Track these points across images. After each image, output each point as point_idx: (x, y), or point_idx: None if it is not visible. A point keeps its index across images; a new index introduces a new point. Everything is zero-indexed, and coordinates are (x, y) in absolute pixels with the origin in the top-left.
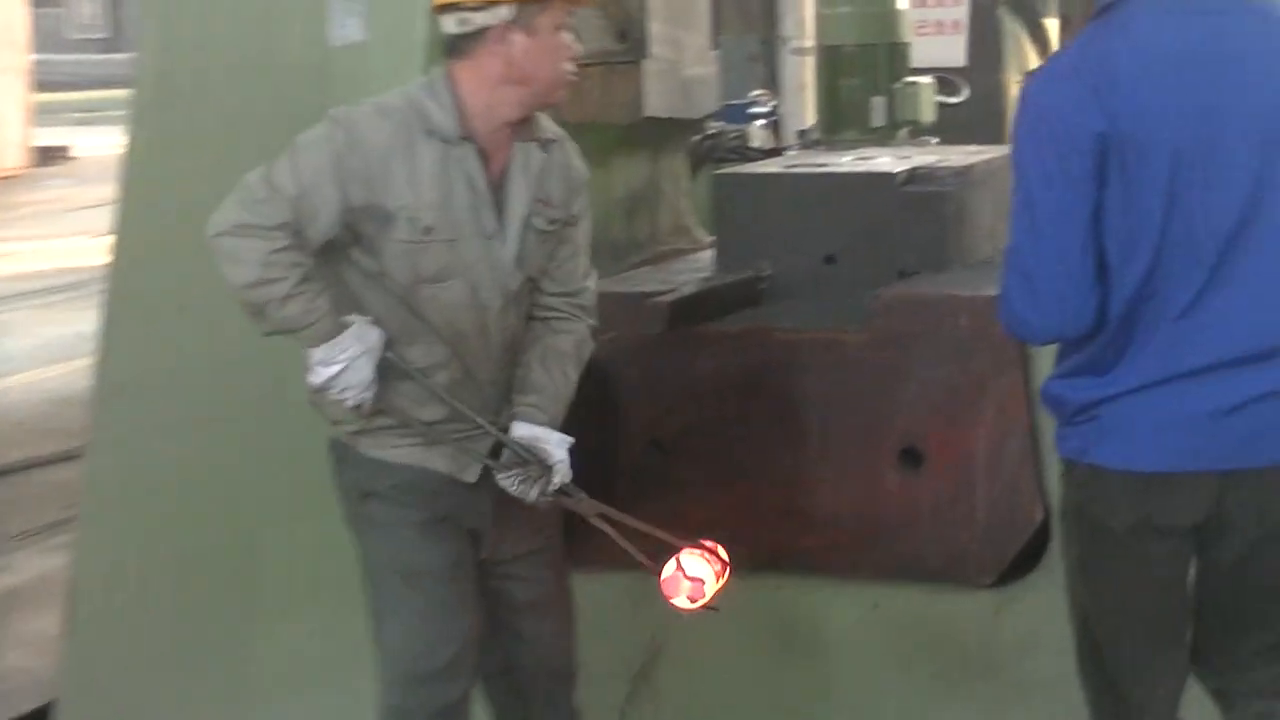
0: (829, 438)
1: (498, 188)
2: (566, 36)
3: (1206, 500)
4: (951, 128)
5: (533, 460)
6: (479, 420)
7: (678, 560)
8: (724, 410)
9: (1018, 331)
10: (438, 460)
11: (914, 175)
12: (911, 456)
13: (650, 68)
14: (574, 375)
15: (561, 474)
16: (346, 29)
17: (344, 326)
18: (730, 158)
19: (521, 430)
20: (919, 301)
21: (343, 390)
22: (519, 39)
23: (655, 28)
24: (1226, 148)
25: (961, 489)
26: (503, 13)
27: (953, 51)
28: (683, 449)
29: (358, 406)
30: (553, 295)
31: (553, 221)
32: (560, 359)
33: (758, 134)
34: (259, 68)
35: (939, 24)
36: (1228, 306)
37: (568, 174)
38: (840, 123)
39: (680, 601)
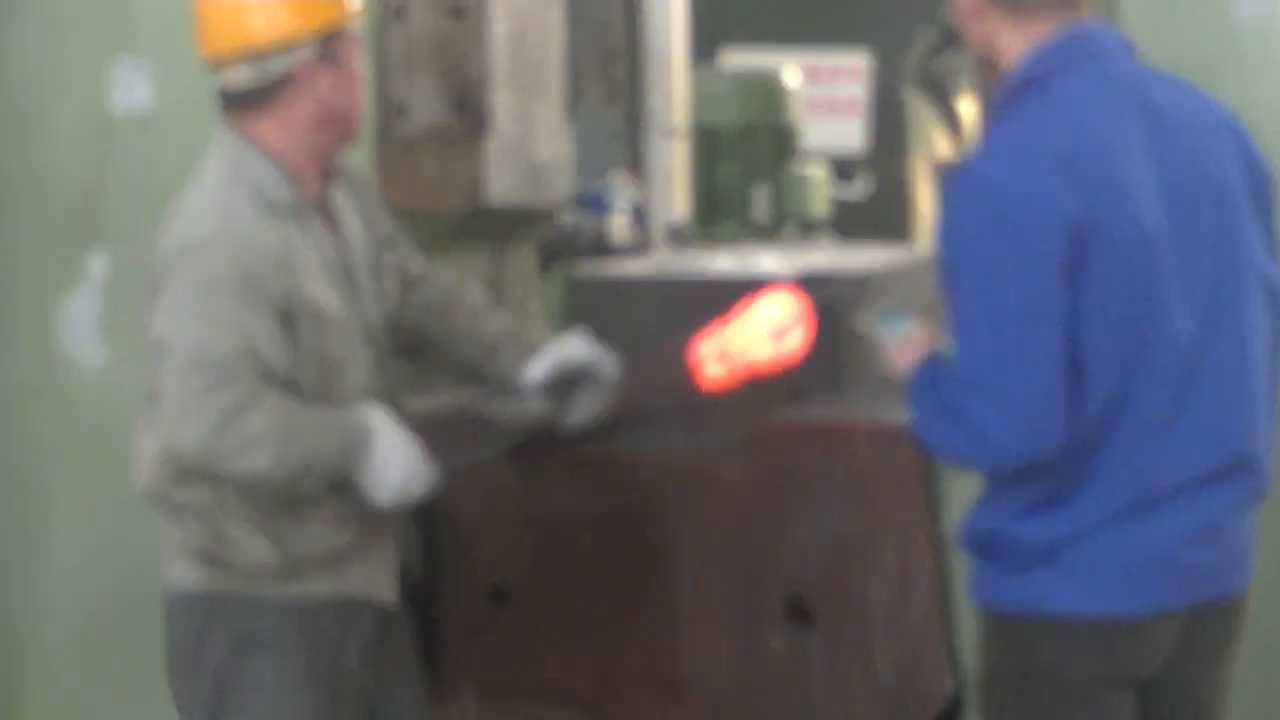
0: (702, 588)
1: (337, 246)
2: (359, 61)
3: (1172, 640)
4: (848, 224)
5: (579, 377)
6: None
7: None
8: (577, 553)
9: (984, 460)
10: (355, 583)
11: (803, 281)
12: (799, 612)
13: (493, 146)
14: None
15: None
16: (132, 94)
17: (363, 424)
18: (588, 255)
19: (542, 365)
20: (808, 428)
21: (409, 483)
22: (325, 76)
23: (499, 98)
24: (1196, 229)
25: (857, 652)
26: (304, 53)
27: (849, 135)
28: (528, 599)
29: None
30: (422, 289)
31: (385, 245)
32: (486, 307)
33: (620, 227)
34: (33, 135)
35: (833, 103)
36: (1200, 411)
37: (360, 186)
38: (717, 215)
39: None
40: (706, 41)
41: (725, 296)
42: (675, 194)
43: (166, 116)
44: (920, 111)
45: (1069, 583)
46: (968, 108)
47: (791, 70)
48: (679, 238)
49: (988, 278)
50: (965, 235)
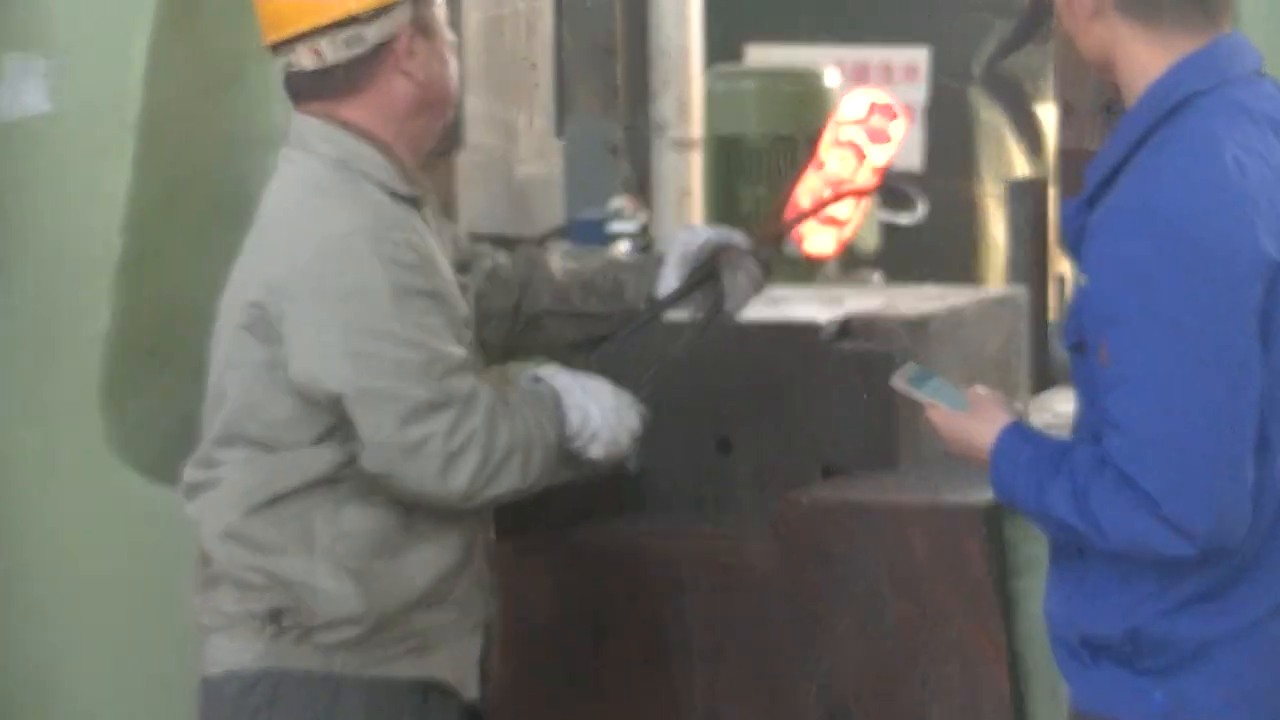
0: (720, 692)
1: None
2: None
3: None
4: (901, 256)
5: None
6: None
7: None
8: (570, 649)
9: (1151, 549)
10: (441, 667)
11: (848, 327)
12: None
13: (465, 162)
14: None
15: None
16: (24, 98)
17: (545, 386)
18: (554, 257)
19: (674, 271)
20: (849, 506)
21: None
22: (420, 45)
23: (474, 104)
24: None
25: None
26: (400, 15)
27: (905, 150)
28: (509, 704)
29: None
30: (499, 272)
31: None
32: (563, 255)
33: None
34: None
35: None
36: None
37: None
38: None
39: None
40: (728, 35)
41: (745, 346)
42: (690, 221)
43: (70, 120)
44: (991, 122)
45: (1221, 689)
46: (1048, 116)
47: (833, 70)
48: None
49: (1175, 326)
50: (1143, 273)
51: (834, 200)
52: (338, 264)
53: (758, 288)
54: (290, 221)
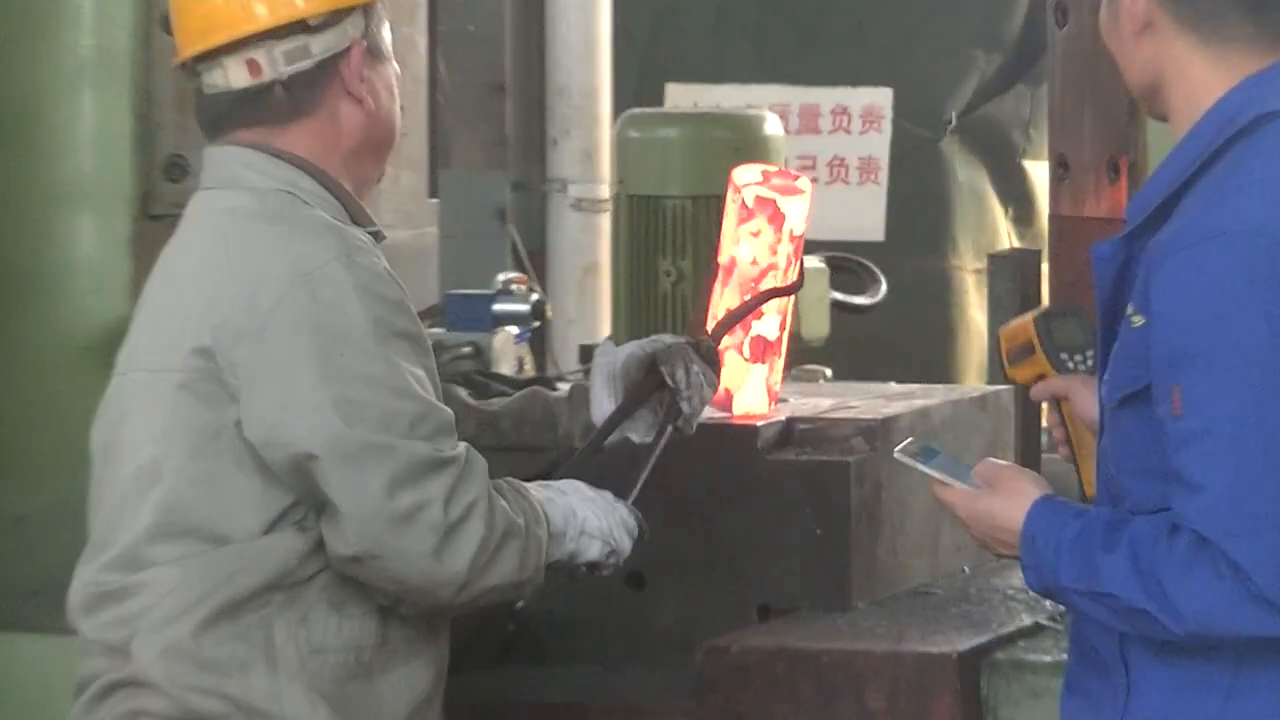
0: None
1: None
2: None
3: None
4: (858, 349)
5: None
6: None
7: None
8: None
9: (1261, 629)
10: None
11: (790, 432)
12: None
13: None
14: None
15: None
16: None
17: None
18: (462, 389)
19: (603, 394)
20: (794, 660)
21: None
22: (371, 71)
23: None
24: None
25: None
26: (352, 29)
27: (865, 212)
28: None
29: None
30: None
31: None
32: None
33: (509, 349)
34: None
35: (838, 165)
36: None
37: None
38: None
39: None
40: (645, 73)
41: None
42: (597, 302)
43: None
44: (970, 180)
45: None
46: (1039, 174)
47: (773, 116)
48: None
49: (1265, 367)
50: (1225, 307)
51: (757, 304)
52: (309, 296)
53: (711, 386)
54: (239, 254)
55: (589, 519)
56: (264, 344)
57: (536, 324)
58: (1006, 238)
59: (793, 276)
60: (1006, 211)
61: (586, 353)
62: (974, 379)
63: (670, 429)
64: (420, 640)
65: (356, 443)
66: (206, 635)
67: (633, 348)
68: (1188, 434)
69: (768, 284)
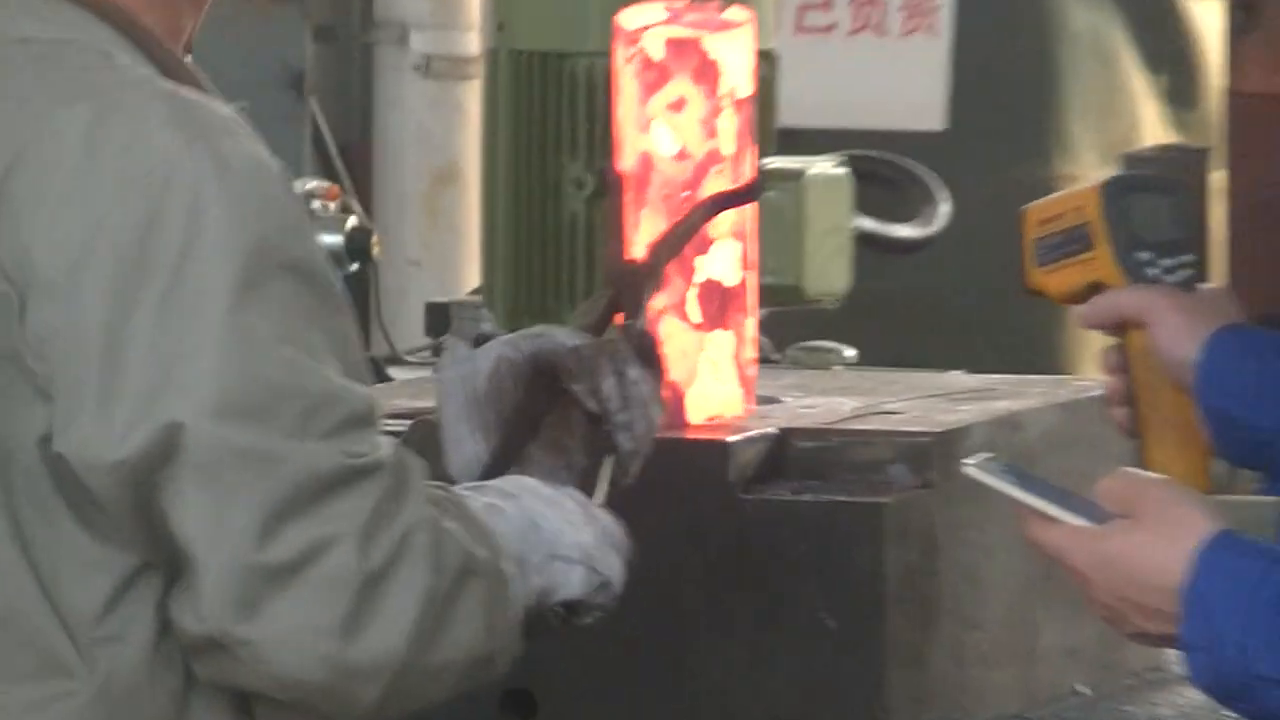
0: None
1: None
2: None
3: None
4: (902, 315)
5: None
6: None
7: None
8: None
9: None
10: None
11: (784, 455)
12: None
13: None
14: None
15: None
16: None
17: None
18: None
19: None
20: None
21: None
22: None
23: None
24: None
25: None
26: None
27: (912, 85)
28: None
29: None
30: None
31: None
32: None
33: None
34: None
35: (866, 3)
36: None
37: None
38: (545, 284)
39: None
40: None
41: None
42: (457, 231)
43: None
44: (1093, 26)
45: None
46: (1210, 20)
47: None
48: (468, 332)
49: None
50: None
51: (703, 218)
52: (148, 214)
53: (657, 400)
54: (20, 153)
55: (562, 533)
56: (79, 301)
57: (354, 266)
58: (1154, 127)
59: (746, 174)
60: (1155, 83)
61: (438, 318)
62: (1096, 367)
63: (606, 482)
64: None
65: (216, 449)
66: None
67: (504, 348)
68: None
69: (711, 190)
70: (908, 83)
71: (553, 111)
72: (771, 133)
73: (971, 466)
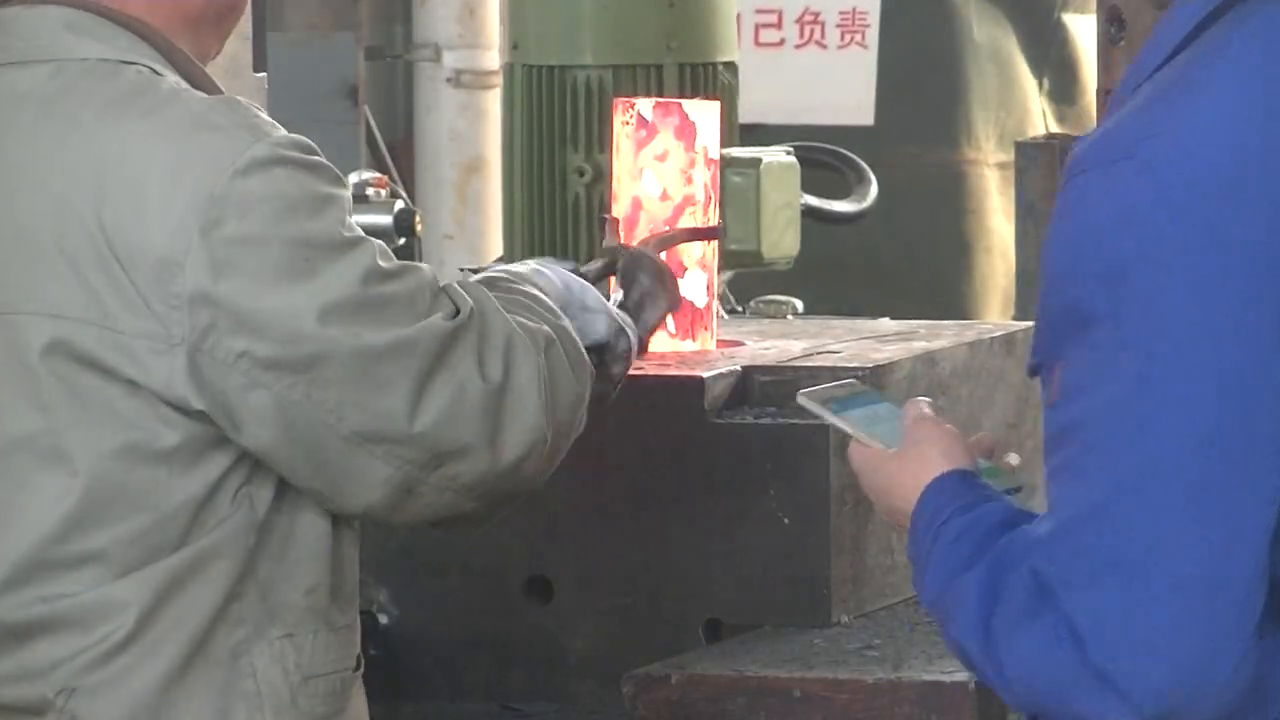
0: None
1: None
2: None
3: None
4: (840, 273)
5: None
6: None
7: None
8: None
9: (1106, 717)
10: None
11: (748, 386)
12: None
13: None
14: None
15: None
16: None
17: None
18: None
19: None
20: (755, 693)
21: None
22: None
23: None
24: None
25: None
26: None
27: (847, 88)
28: None
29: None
30: None
31: None
32: None
33: None
34: None
35: (810, 22)
36: None
37: None
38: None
39: None
40: None
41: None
42: (482, 212)
43: None
44: (991, 41)
45: None
46: (1083, 32)
47: None
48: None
49: (1183, 344)
50: (1152, 248)
51: (682, 238)
52: (238, 205)
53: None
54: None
55: (586, 289)
56: (192, 262)
57: (402, 241)
58: (1041, 120)
59: (714, 218)
60: (1040, 85)
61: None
62: (998, 313)
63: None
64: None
65: (369, 350)
66: (180, 687)
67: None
68: (1059, 430)
69: (685, 225)
70: (843, 87)
71: (558, 114)
72: (735, 127)
73: (801, 395)
